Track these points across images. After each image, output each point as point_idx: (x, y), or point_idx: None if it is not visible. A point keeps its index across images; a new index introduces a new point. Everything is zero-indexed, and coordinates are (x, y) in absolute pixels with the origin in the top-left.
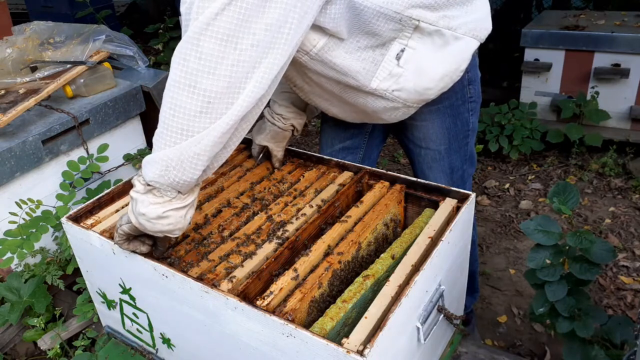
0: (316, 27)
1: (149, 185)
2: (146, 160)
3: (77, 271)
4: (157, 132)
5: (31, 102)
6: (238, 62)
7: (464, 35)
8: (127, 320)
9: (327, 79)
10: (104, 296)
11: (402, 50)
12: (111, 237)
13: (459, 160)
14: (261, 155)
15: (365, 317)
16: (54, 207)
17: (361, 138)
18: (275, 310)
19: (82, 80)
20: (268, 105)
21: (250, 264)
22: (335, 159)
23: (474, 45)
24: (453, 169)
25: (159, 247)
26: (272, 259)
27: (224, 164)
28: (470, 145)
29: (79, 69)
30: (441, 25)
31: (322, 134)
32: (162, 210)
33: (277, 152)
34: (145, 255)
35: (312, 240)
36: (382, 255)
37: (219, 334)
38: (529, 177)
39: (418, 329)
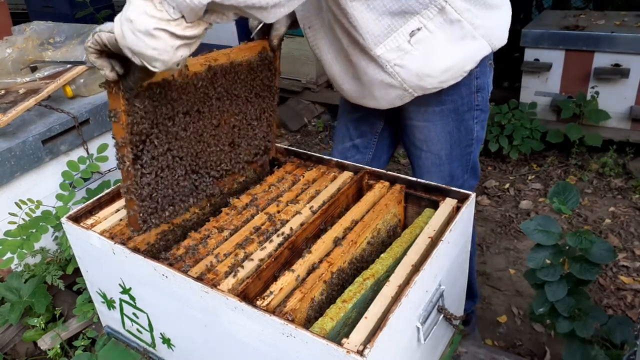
0: None
1: None
2: None
3: (77, 271)
4: None
5: (31, 102)
6: None
7: (482, 37)
8: (127, 320)
9: (340, 25)
10: (104, 296)
11: (419, 29)
12: (111, 237)
13: (460, 168)
14: (259, 27)
15: (365, 317)
16: (53, 207)
17: (370, 138)
18: (275, 310)
19: (82, 80)
20: None
21: (250, 264)
22: (335, 159)
23: (486, 50)
24: (453, 177)
25: (128, 80)
26: (272, 259)
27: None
28: (473, 156)
29: (79, 69)
30: (465, 17)
31: (336, 129)
32: (153, 26)
33: (279, 26)
34: (146, 255)
35: (312, 240)
36: (382, 255)
37: (219, 334)
38: (529, 177)
39: (418, 329)
